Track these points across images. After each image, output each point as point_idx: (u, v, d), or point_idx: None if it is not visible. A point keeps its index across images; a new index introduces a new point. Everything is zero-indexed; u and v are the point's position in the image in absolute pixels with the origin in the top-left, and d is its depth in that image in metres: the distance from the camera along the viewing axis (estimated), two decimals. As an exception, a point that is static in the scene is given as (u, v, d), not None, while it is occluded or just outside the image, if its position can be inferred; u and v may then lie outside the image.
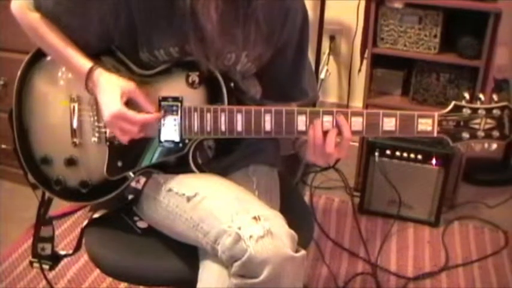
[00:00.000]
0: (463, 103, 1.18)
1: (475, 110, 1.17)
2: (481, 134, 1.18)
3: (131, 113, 1.23)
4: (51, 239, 1.49)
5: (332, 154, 1.21)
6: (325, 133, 1.20)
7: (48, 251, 1.49)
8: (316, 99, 2.55)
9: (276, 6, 1.28)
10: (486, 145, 1.19)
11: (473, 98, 1.18)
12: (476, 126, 1.17)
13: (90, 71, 1.26)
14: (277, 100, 1.40)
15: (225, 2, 1.19)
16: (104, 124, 1.31)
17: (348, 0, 2.51)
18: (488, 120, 1.17)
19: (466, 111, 1.17)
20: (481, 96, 1.18)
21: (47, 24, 1.29)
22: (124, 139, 1.27)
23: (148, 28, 1.25)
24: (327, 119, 1.21)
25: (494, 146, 1.19)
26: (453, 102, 1.18)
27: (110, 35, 1.29)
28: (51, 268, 1.52)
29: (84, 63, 1.28)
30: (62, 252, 1.52)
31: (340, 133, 1.20)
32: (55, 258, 1.51)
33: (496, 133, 1.17)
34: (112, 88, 1.25)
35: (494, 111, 1.16)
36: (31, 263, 1.50)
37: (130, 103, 1.26)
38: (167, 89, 1.28)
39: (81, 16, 1.27)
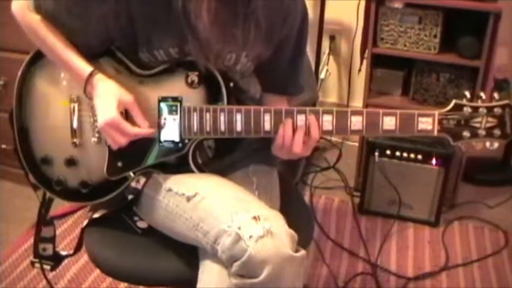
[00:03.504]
0: (464, 102, 1.17)
1: (475, 109, 1.16)
2: (482, 132, 1.17)
3: (125, 124, 1.24)
4: (52, 240, 1.49)
5: (298, 153, 1.23)
6: (294, 132, 1.22)
7: (49, 252, 1.49)
8: (316, 99, 2.55)
9: (276, 6, 1.28)
10: (488, 144, 1.18)
11: (474, 97, 1.17)
12: (477, 125, 1.17)
13: (91, 75, 1.27)
14: (273, 93, 1.41)
15: (222, 2, 1.19)
16: None
17: (348, 0, 2.51)
18: (490, 119, 1.16)
19: (467, 110, 1.17)
20: (482, 94, 1.17)
21: (47, 26, 1.29)
22: (113, 147, 1.28)
23: (147, 28, 1.26)
24: (327, 118, 1.21)
25: (496, 145, 1.18)
26: (454, 101, 1.17)
27: (109, 36, 1.29)
28: (53, 269, 1.52)
29: (84, 66, 1.28)
30: (63, 253, 1.53)
31: (308, 133, 1.21)
32: (56, 259, 1.51)
33: (497, 132, 1.16)
34: (109, 95, 1.25)
35: (496, 109, 1.16)
36: (32, 263, 1.50)
37: (126, 113, 1.26)
38: (167, 89, 1.28)
39: (81, 17, 1.27)
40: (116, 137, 1.25)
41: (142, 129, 1.26)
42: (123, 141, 1.26)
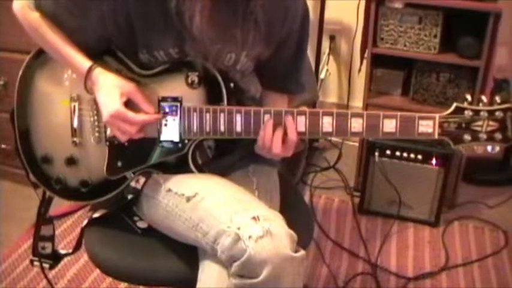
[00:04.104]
0: (465, 105, 1.16)
1: (477, 112, 1.15)
2: (483, 136, 1.16)
3: (130, 114, 1.24)
4: (51, 238, 1.49)
5: (278, 154, 1.23)
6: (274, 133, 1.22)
7: (48, 250, 1.49)
8: (316, 99, 2.55)
9: (276, 6, 1.28)
10: (489, 148, 1.16)
11: (475, 99, 1.16)
12: (478, 129, 1.15)
13: (90, 70, 1.27)
14: (274, 91, 1.42)
15: (218, 2, 1.19)
16: (104, 123, 1.32)
17: (348, 0, 2.51)
18: (491, 123, 1.15)
19: (468, 113, 1.15)
20: (483, 97, 1.16)
21: (47, 24, 1.29)
22: (123, 139, 1.27)
23: (146, 29, 1.26)
24: (327, 120, 1.21)
25: (497, 148, 1.16)
26: (454, 104, 1.16)
27: (108, 36, 1.29)
28: (52, 267, 1.52)
29: (83, 62, 1.28)
30: (62, 252, 1.53)
31: (285, 134, 1.22)
32: (55, 257, 1.51)
33: (498, 135, 1.15)
34: (111, 88, 1.25)
35: (497, 113, 1.14)
36: (32, 261, 1.50)
37: (129, 103, 1.26)
38: (167, 89, 1.28)
39: (80, 16, 1.27)
40: (124, 128, 1.25)
41: (149, 115, 1.26)
42: (132, 130, 1.25)
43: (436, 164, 2.21)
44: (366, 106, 2.32)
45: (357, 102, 2.82)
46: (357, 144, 2.55)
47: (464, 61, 2.14)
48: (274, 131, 1.22)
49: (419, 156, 2.22)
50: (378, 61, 2.28)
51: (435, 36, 2.14)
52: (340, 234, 2.27)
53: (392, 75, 2.35)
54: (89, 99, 1.34)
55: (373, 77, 2.33)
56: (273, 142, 1.22)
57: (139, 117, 1.25)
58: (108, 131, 1.32)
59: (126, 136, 1.27)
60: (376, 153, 2.24)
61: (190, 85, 1.28)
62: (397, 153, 2.23)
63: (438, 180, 2.23)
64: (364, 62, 2.34)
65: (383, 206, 2.33)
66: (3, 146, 2.31)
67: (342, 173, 2.59)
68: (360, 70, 2.55)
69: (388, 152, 2.24)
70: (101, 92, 1.26)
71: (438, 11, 2.11)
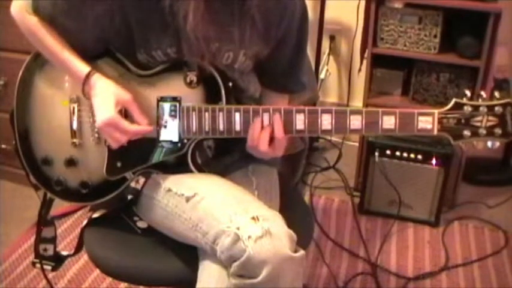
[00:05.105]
0: (464, 100, 1.16)
1: (476, 108, 1.15)
2: (482, 131, 1.15)
3: (123, 122, 1.24)
4: (53, 240, 1.49)
5: (266, 153, 1.23)
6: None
7: (50, 252, 1.49)
8: (316, 99, 2.55)
9: (272, 5, 1.27)
10: (489, 143, 1.16)
11: (475, 96, 1.16)
12: (478, 124, 1.15)
13: (88, 75, 1.27)
14: (275, 90, 1.41)
15: (213, 1, 1.19)
16: None
17: (348, 0, 2.50)
18: (490, 118, 1.15)
19: (467, 109, 1.15)
20: (483, 93, 1.16)
21: (45, 27, 1.29)
22: (114, 145, 1.28)
23: (143, 29, 1.26)
24: (326, 117, 1.20)
25: (497, 144, 1.16)
26: (454, 100, 1.16)
27: (106, 37, 1.29)
28: (54, 269, 1.51)
29: (82, 66, 1.28)
30: (64, 253, 1.52)
31: (273, 132, 1.22)
32: (58, 259, 1.51)
33: (498, 131, 1.15)
34: (107, 95, 1.25)
35: (496, 108, 1.14)
36: (34, 263, 1.50)
37: (124, 112, 1.26)
38: (166, 89, 1.28)
39: (77, 18, 1.27)
40: (115, 136, 1.25)
41: (142, 126, 1.27)
42: (123, 139, 1.26)
43: (436, 164, 2.21)
44: (366, 106, 2.31)
45: (357, 102, 2.81)
46: (357, 144, 2.55)
47: (464, 61, 2.14)
48: (262, 129, 1.22)
49: (419, 156, 2.21)
50: (378, 61, 2.28)
51: (435, 36, 2.14)
52: (340, 234, 2.27)
53: (392, 75, 2.34)
54: (88, 100, 1.34)
55: (373, 77, 2.33)
56: (259, 140, 1.22)
57: (133, 127, 1.25)
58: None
59: (117, 144, 1.27)
60: (376, 153, 2.24)
61: (189, 84, 1.28)
62: (397, 153, 2.23)
63: (438, 180, 2.23)
64: (364, 62, 2.34)
65: (383, 206, 2.33)
66: (3, 146, 2.31)
67: (342, 173, 2.59)
68: (360, 70, 2.55)
69: (388, 152, 2.24)
70: (97, 98, 1.26)
71: (438, 11, 2.11)
